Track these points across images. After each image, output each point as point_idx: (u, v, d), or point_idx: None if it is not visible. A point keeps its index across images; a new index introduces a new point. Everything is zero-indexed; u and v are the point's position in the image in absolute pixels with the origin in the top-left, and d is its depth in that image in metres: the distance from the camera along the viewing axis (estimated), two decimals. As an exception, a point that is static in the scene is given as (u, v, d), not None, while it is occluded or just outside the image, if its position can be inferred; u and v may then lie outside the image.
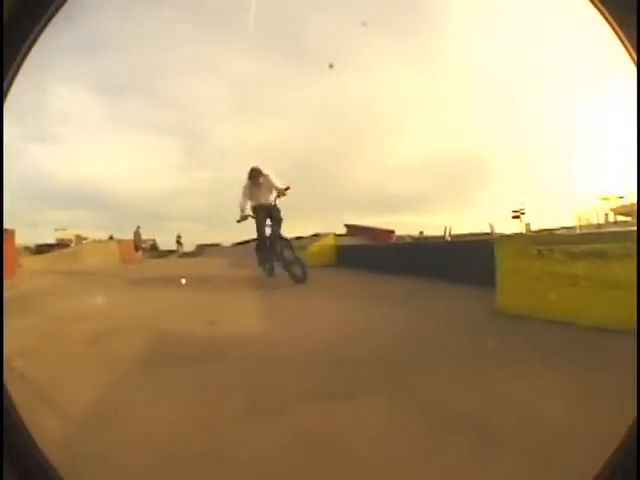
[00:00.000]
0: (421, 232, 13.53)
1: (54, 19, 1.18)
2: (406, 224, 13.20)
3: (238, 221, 7.53)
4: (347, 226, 13.91)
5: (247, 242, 14.05)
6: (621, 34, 1.07)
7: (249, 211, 7.65)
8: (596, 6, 1.12)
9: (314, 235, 13.45)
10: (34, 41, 1.13)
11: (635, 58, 1.06)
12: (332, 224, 13.43)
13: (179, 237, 15.82)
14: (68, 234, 15.69)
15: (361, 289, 7.26)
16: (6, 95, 1.11)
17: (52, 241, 15.35)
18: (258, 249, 7.66)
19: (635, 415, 1.05)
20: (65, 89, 11.79)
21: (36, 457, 1.14)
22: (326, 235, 12.42)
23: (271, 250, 7.37)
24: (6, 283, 6.22)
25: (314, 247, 9.25)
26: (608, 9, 1.09)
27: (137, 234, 14.63)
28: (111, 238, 15.41)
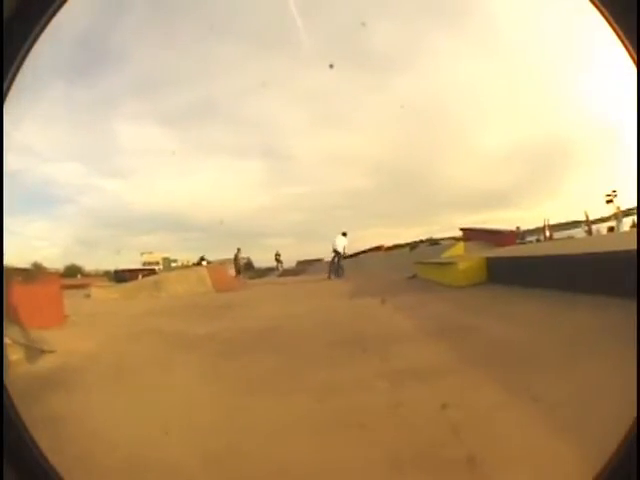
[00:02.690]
0: (517, 227, 11.96)
1: (54, 19, 1.18)
2: (502, 220, 11.92)
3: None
4: (463, 230, 12.23)
5: (357, 254, 13.33)
6: (621, 34, 1.07)
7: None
8: (596, 6, 1.12)
9: (419, 241, 12.69)
10: (34, 41, 1.13)
11: (635, 58, 1.06)
12: (431, 227, 13.09)
13: (278, 254, 14.54)
14: (155, 257, 14.66)
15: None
16: (6, 95, 1.11)
17: (137, 266, 14.14)
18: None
19: (635, 415, 1.05)
20: (132, 126, 11.97)
21: (36, 457, 1.15)
22: (454, 245, 11.20)
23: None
24: (37, 336, 5.45)
25: (464, 263, 7.63)
26: (608, 9, 1.09)
27: (237, 257, 13.40)
28: (202, 259, 14.03)
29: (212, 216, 13.15)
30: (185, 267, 14.22)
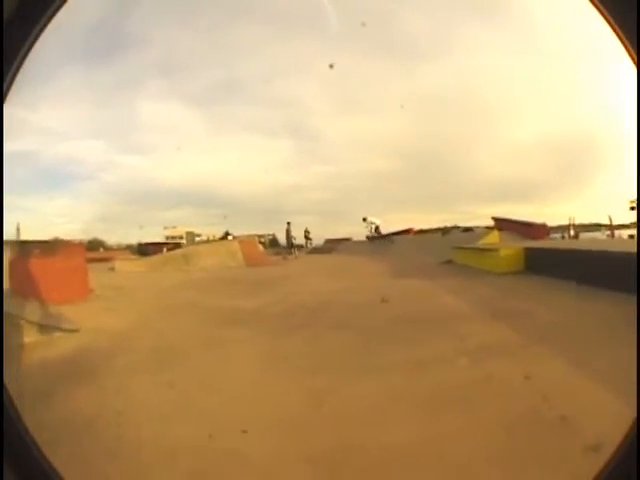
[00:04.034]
0: (544, 222, 12.03)
1: (54, 19, 1.18)
2: (524, 214, 11.90)
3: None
4: (495, 219, 12.18)
5: (387, 235, 13.26)
6: (621, 34, 1.07)
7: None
8: (596, 6, 1.12)
9: (451, 227, 12.76)
10: (34, 41, 1.13)
11: (635, 58, 1.06)
12: (453, 215, 13.07)
13: (307, 232, 14.16)
14: (178, 231, 14.28)
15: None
16: (6, 95, 1.11)
17: (160, 240, 13.63)
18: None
19: (635, 415, 1.05)
20: (158, 104, 11.97)
21: (36, 457, 1.14)
22: (488, 233, 11.04)
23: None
24: (59, 313, 4.93)
25: (505, 251, 7.75)
26: (608, 9, 1.09)
27: (289, 231, 13.07)
28: (227, 234, 13.67)
29: (237, 192, 13.10)
30: (214, 241, 13.55)
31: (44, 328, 4.56)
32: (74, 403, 2.70)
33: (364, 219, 12.76)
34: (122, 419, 2.42)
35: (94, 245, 12.70)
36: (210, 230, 14.73)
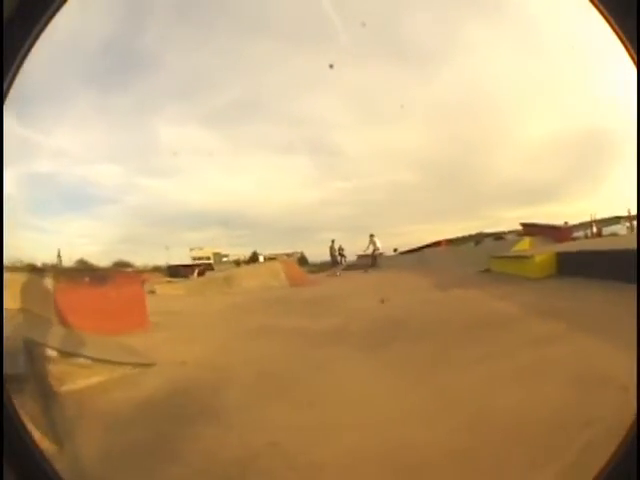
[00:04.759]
0: (566, 222, 11.85)
1: (54, 19, 1.18)
2: (547, 215, 11.70)
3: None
4: (523, 225, 12.24)
5: (419, 249, 12.99)
6: (621, 34, 1.07)
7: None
8: (596, 6, 1.12)
9: (484, 235, 12.52)
10: (34, 41, 1.13)
11: (635, 58, 1.06)
12: (477, 222, 12.92)
13: (341, 249, 13.49)
14: (205, 252, 14.01)
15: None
16: (6, 95, 1.11)
17: (187, 262, 13.43)
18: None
19: (635, 415, 1.05)
20: (174, 127, 12.03)
21: (36, 457, 1.14)
22: (520, 240, 11.21)
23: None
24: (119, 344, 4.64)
25: (540, 257, 8.19)
26: (608, 9, 1.09)
27: (333, 248, 12.79)
28: (255, 254, 13.71)
29: (260, 212, 12.99)
30: (244, 261, 13.53)
31: (111, 364, 4.01)
32: (216, 444, 2.64)
33: (371, 236, 12.52)
34: (284, 449, 2.48)
35: (120, 267, 12.71)
36: (237, 251, 14.65)
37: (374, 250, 12.70)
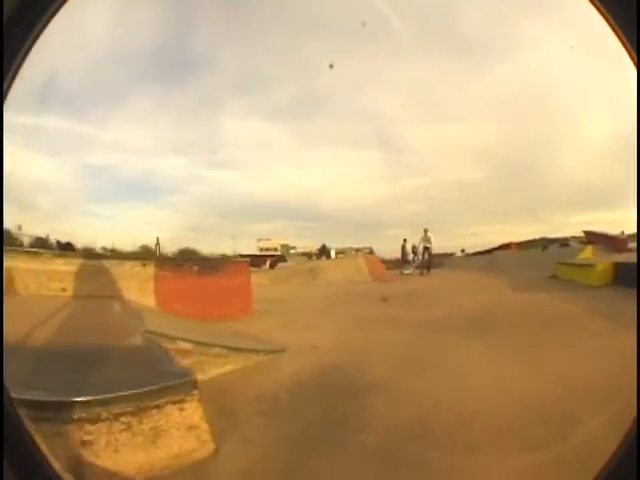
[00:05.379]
0: (622, 232, 12.02)
1: (54, 19, 1.18)
2: (611, 222, 11.94)
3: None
4: (586, 233, 12.68)
5: (489, 251, 13.13)
6: (621, 34, 1.07)
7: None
8: (596, 6, 1.12)
9: (549, 241, 12.66)
10: (34, 41, 1.13)
11: (635, 58, 1.06)
12: (549, 226, 12.87)
13: (415, 247, 12.92)
14: (273, 244, 14.36)
15: None
16: (6, 95, 1.11)
17: (254, 252, 13.62)
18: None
19: (635, 415, 1.05)
20: (239, 121, 12.01)
21: (36, 457, 1.14)
22: (584, 249, 11.46)
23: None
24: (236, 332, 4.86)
25: (601, 266, 8.72)
26: (608, 9, 1.09)
27: (404, 247, 12.62)
28: (324, 247, 13.95)
29: (328, 205, 12.92)
30: (311, 253, 14.04)
31: (247, 352, 4.12)
32: (390, 409, 3.23)
33: (425, 231, 12.12)
34: (448, 408, 3.27)
35: (186, 255, 12.73)
36: (303, 243, 14.72)
37: (426, 248, 11.99)
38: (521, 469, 2.43)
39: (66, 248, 9.14)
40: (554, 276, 10.05)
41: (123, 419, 2.47)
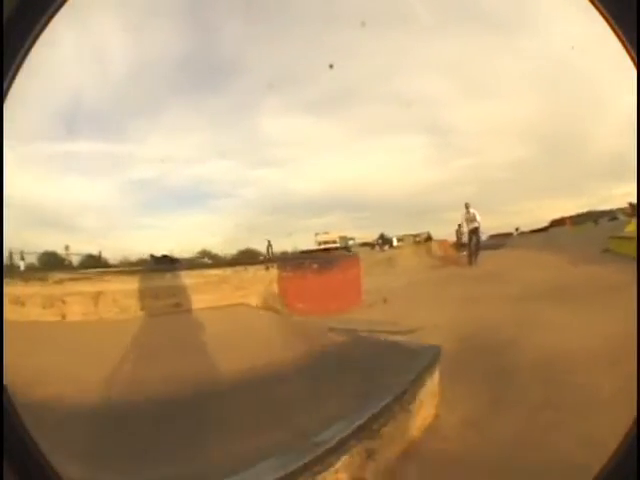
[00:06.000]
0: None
1: (54, 19, 1.17)
2: None
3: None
4: (631, 205, 11.86)
5: (545, 228, 12.91)
6: (621, 34, 1.07)
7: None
8: (596, 6, 1.12)
9: (599, 214, 12.75)
10: (34, 41, 1.12)
11: (635, 58, 1.06)
12: (590, 199, 12.68)
13: (465, 222, 12.12)
14: (331, 236, 14.45)
15: None
16: (6, 95, 1.11)
17: (313, 246, 14.10)
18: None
19: (635, 415, 1.05)
20: (278, 119, 11.89)
21: (36, 457, 1.14)
22: (629, 221, 11.22)
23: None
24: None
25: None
26: (608, 9, 1.09)
27: (459, 231, 12.13)
28: (382, 236, 13.69)
29: (382, 193, 12.78)
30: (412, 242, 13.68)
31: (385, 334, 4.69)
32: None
33: (467, 205, 11.01)
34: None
35: (249, 255, 12.73)
36: (360, 233, 14.67)
37: (472, 228, 11.08)
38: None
39: (162, 262, 8.96)
40: (607, 250, 10.38)
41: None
